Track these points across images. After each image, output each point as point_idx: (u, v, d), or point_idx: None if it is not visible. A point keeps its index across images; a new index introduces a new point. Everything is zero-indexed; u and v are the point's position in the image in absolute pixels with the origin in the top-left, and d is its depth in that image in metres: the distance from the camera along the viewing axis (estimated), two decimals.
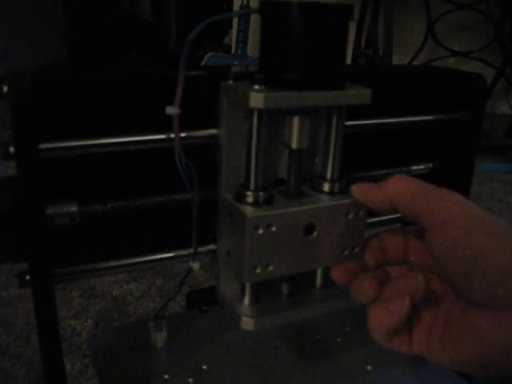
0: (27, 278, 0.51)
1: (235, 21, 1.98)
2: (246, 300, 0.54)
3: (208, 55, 1.92)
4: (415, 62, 2.53)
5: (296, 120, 0.48)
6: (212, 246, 0.57)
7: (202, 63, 1.77)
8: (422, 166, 0.70)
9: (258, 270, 0.48)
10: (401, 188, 0.42)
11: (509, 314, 0.34)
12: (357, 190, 0.48)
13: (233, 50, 1.92)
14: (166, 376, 0.65)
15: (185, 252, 0.57)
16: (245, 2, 1.96)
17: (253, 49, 1.90)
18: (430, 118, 0.66)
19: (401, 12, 2.61)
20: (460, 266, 0.37)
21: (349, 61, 2.47)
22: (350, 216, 0.50)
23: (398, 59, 2.53)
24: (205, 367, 0.66)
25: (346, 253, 0.51)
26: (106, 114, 0.52)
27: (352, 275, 0.48)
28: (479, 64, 2.51)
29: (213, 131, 0.53)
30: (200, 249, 0.56)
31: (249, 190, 0.49)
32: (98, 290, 1.13)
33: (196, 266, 0.56)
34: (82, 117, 0.51)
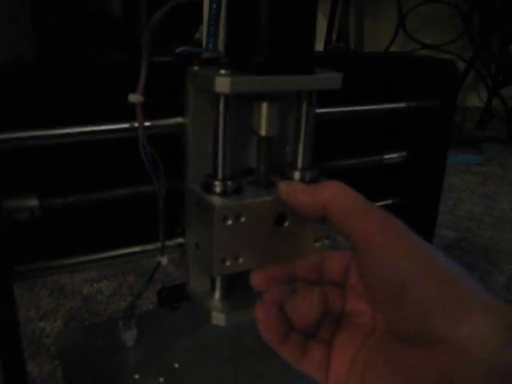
0: None
1: (206, 15, 1.96)
2: (217, 294, 0.52)
3: (179, 50, 1.90)
4: None
5: (264, 106, 0.46)
6: (181, 240, 0.55)
7: None
8: (395, 155, 0.69)
9: (228, 263, 0.46)
10: (335, 198, 0.38)
11: (434, 351, 0.31)
12: (285, 189, 0.42)
13: (203, 44, 1.90)
14: (137, 376, 0.63)
15: (152, 246, 0.55)
16: None
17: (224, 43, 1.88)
18: (402, 105, 0.65)
19: (372, 5, 2.61)
20: (388, 294, 0.34)
21: None
22: None
23: None
24: (176, 366, 0.64)
25: (319, 244, 0.50)
26: (65, 101, 0.50)
27: (272, 283, 0.43)
28: (449, 57, 2.52)
29: (179, 120, 0.51)
30: (168, 242, 0.54)
31: (217, 179, 0.47)
32: (68, 290, 1.10)
33: (164, 260, 0.54)
34: (41, 105, 0.49)
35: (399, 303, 0.34)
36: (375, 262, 0.35)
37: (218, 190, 0.46)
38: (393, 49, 2.58)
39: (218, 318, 0.50)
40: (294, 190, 0.41)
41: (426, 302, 0.32)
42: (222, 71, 0.44)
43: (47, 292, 1.09)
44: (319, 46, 2.45)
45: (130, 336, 0.66)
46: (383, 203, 0.69)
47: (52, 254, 0.52)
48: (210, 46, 0.59)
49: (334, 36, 2.50)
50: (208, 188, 0.47)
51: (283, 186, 0.42)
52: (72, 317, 1.02)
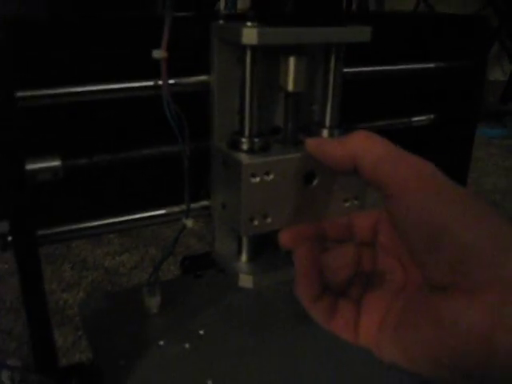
0: (9, 239, 0.48)
1: None
2: (244, 257, 0.51)
3: None
4: None
5: (292, 60, 0.45)
6: (205, 202, 0.54)
7: None
8: (423, 117, 0.67)
9: (256, 222, 0.45)
10: (365, 146, 0.36)
11: (473, 297, 0.30)
12: (312, 144, 0.40)
13: (222, 6, 1.91)
14: (162, 342, 0.62)
15: (177, 209, 0.54)
16: None
17: None
18: (431, 65, 0.63)
19: None
20: (424, 239, 0.33)
21: None
22: None
23: None
24: (201, 332, 0.64)
25: (348, 204, 0.49)
26: (89, 58, 0.48)
27: (301, 242, 0.41)
28: None
29: (204, 77, 0.49)
30: (193, 205, 0.53)
31: (244, 136, 0.45)
32: (90, 262, 1.10)
33: (189, 222, 0.53)
34: (63, 62, 0.48)
35: (436, 248, 0.32)
36: (409, 207, 0.34)
37: (245, 147, 0.45)
38: None
39: (246, 280, 0.49)
40: (322, 143, 0.40)
41: (464, 245, 0.30)
42: (249, 23, 0.42)
43: (69, 265, 1.09)
44: None
45: (154, 302, 0.65)
46: None
47: (76, 217, 0.52)
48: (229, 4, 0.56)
49: (354, 6, 2.47)
50: (235, 145, 0.45)
51: (311, 140, 0.41)
52: (94, 288, 1.02)
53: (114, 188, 0.54)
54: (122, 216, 0.53)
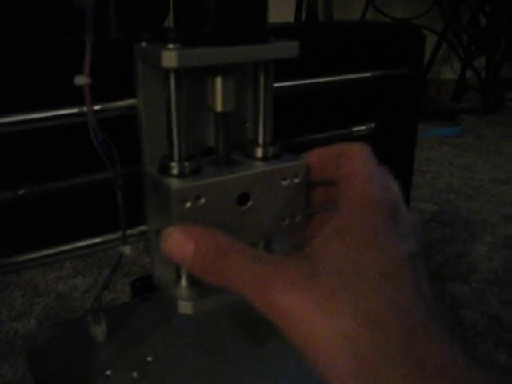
0: None
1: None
2: (183, 282, 0.50)
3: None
4: None
5: (219, 80, 0.44)
6: (143, 227, 0.53)
7: None
8: (363, 127, 0.66)
9: None
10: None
11: None
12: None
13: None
14: (109, 372, 0.60)
15: (114, 236, 0.52)
16: None
17: None
18: (368, 74, 0.63)
19: None
20: None
21: None
22: (287, 182, 0.46)
23: None
24: (150, 359, 0.62)
25: (287, 222, 0.48)
26: (10, 86, 0.47)
27: None
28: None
29: (131, 101, 0.48)
30: (131, 231, 0.52)
31: (173, 160, 0.44)
32: (42, 288, 1.07)
33: (127, 249, 0.51)
34: None
35: None
36: None
37: (174, 171, 0.44)
38: None
39: (185, 307, 0.48)
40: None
41: None
42: (170, 45, 0.41)
43: (20, 292, 1.06)
44: None
45: (99, 331, 0.63)
46: None
47: (7, 251, 0.50)
48: None
49: (304, 15, 2.47)
50: (164, 170, 0.44)
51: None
52: (47, 315, 0.99)
53: (48, 219, 0.52)
54: (58, 247, 0.51)
